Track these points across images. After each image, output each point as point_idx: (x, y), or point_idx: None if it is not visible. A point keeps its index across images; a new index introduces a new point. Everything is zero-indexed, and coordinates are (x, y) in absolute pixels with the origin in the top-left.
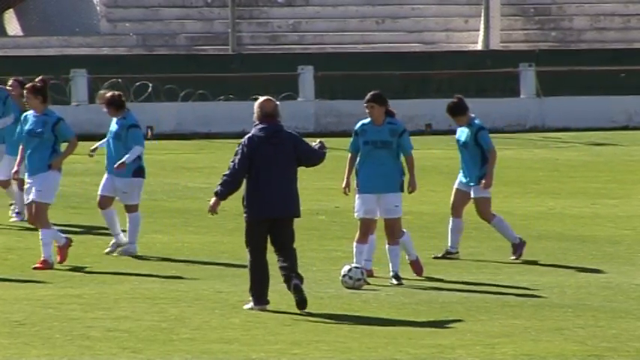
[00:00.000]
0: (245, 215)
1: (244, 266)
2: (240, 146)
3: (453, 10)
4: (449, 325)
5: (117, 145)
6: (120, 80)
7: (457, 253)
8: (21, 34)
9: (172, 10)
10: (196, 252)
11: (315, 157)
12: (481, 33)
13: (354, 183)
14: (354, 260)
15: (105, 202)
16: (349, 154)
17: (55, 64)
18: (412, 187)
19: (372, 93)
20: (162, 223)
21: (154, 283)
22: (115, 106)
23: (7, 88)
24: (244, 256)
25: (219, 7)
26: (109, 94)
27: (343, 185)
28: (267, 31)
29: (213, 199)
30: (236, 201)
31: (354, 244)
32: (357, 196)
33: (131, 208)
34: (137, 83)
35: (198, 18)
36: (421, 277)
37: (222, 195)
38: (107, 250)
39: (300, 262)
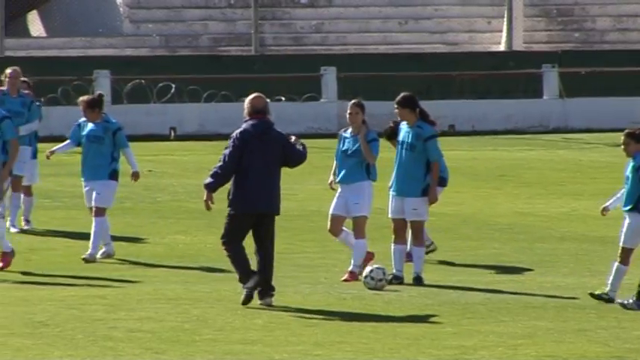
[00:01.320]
0: (229, 208)
1: None
2: (232, 140)
3: (476, 11)
4: (471, 327)
5: (98, 148)
6: (143, 81)
7: (432, 244)
8: (44, 35)
9: (195, 11)
10: (219, 253)
11: (299, 158)
12: (504, 34)
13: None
14: (392, 261)
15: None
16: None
17: (78, 65)
18: (430, 199)
19: (400, 95)
20: (184, 224)
21: (177, 284)
22: (100, 107)
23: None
24: None
25: (241, 7)
26: (88, 97)
27: (330, 180)
28: (290, 32)
29: (205, 194)
30: None
31: (391, 245)
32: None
33: (100, 212)
34: (160, 84)
35: (221, 19)
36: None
37: (212, 187)
38: (99, 256)
39: (323, 263)
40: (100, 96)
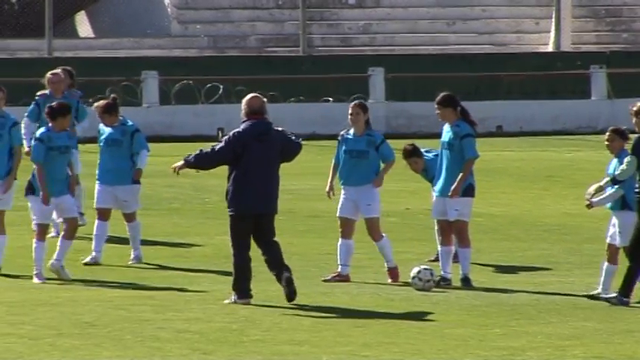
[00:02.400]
0: (229, 210)
1: (315, 267)
2: (229, 137)
3: (524, 11)
4: (519, 328)
5: (117, 151)
6: (191, 82)
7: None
8: (92, 35)
9: (243, 11)
10: None
11: (297, 152)
12: (552, 35)
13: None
14: (440, 263)
15: (107, 214)
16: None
17: (126, 65)
18: (452, 192)
19: (440, 95)
20: None
21: (225, 285)
22: (116, 110)
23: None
24: (315, 258)
25: (289, 8)
26: (103, 102)
27: (327, 189)
28: (338, 32)
29: (181, 163)
30: (306, 202)
31: (438, 247)
32: None
33: (131, 217)
34: (208, 85)
35: (269, 20)
36: (397, 282)
37: (190, 164)
38: (86, 260)
39: (371, 264)
40: (115, 99)
